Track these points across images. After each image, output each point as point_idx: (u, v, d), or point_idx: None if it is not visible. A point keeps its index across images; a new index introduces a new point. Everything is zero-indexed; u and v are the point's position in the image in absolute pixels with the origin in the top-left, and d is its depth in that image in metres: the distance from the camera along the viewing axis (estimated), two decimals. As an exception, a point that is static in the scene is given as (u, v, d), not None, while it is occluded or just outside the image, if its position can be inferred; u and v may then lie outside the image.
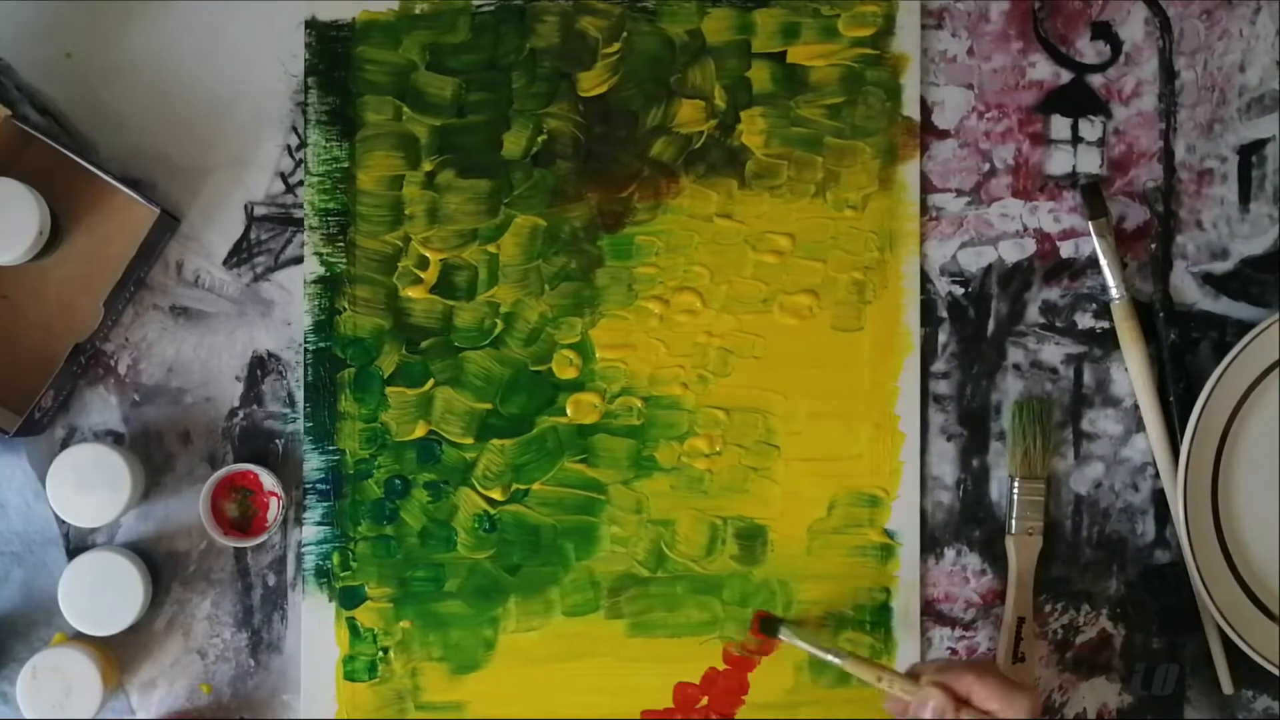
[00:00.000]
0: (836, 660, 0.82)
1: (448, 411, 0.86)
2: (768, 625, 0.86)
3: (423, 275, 0.86)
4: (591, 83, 0.87)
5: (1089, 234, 0.88)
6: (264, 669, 0.86)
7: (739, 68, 0.88)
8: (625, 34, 0.87)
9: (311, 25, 0.86)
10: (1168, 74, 0.89)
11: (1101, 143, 0.89)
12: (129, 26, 0.86)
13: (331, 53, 0.86)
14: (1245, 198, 0.89)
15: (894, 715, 0.80)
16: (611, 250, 0.87)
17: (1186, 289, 0.89)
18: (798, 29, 0.88)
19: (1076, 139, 0.89)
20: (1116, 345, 0.89)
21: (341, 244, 0.86)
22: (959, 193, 0.89)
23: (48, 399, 0.81)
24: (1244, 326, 0.88)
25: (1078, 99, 0.89)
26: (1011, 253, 0.89)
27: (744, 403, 0.87)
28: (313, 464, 0.86)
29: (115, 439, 0.85)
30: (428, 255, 0.86)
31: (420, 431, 0.86)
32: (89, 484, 0.81)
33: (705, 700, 0.87)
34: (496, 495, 0.87)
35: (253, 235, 0.86)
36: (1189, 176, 0.89)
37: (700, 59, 0.88)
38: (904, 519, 0.88)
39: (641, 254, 0.87)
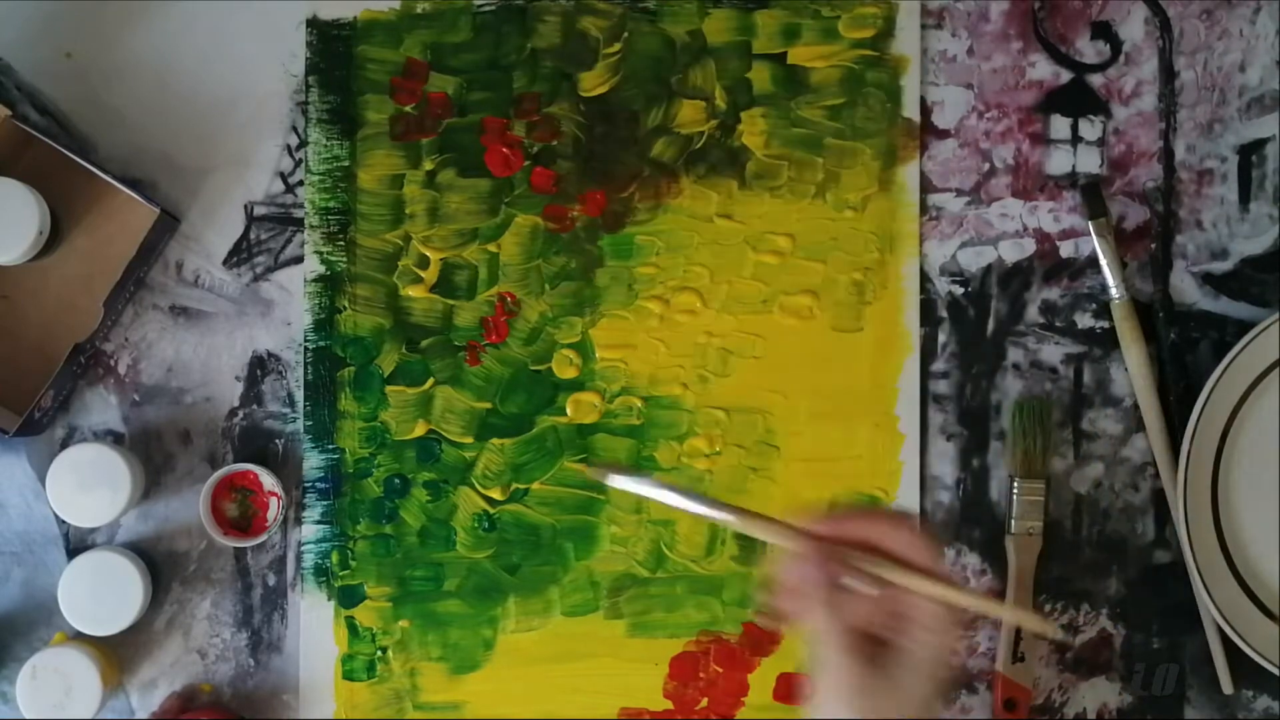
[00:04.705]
0: (721, 515, 0.67)
1: (447, 410, 0.86)
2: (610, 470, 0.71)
3: (423, 274, 0.86)
4: (592, 83, 0.87)
5: (1089, 234, 0.88)
6: (264, 669, 0.86)
7: (740, 68, 0.88)
8: (626, 34, 0.87)
9: (313, 24, 0.86)
10: (1168, 74, 0.89)
11: (1101, 142, 0.89)
12: (129, 26, 0.86)
13: (333, 51, 0.86)
14: (1245, 198, 0.90)
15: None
16: (612, 250, 0.87)
17: (1186, 289, 0.89)
18: (798, 30, 0.88)
19: (1076, 139, 0.89)
20: (1116, 345, 0.89)
21: (342, 243, 0.86)
22: (959, 192, 0.89)
23: (48, 399, 0.81)
24: (1244, 326, 0.88)
25: (1078, 99, 0.89)
26: (1011, 253, 0.89)
27: (744, 403, 0.87)
28: (312, 463, 0.86)
29: (115, 439, 0.85)
30: (428, 254, 0.86)
31: (420, 430, 0.86)
32: (89, 484, 0.81)
33: (705, 701, 0.87)
34: (496, 495, 0.87)
35: (253, 235, 0.86)
36: (1189, 176, 0.89)
37: (701, 59, 0.88)
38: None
39: (642, 254, 0.87)
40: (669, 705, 0.87)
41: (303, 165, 0.86)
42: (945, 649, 0.66)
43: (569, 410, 0.87)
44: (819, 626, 0.65)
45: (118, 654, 0.85)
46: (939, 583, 0.65)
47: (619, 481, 0.68)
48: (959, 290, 0.89)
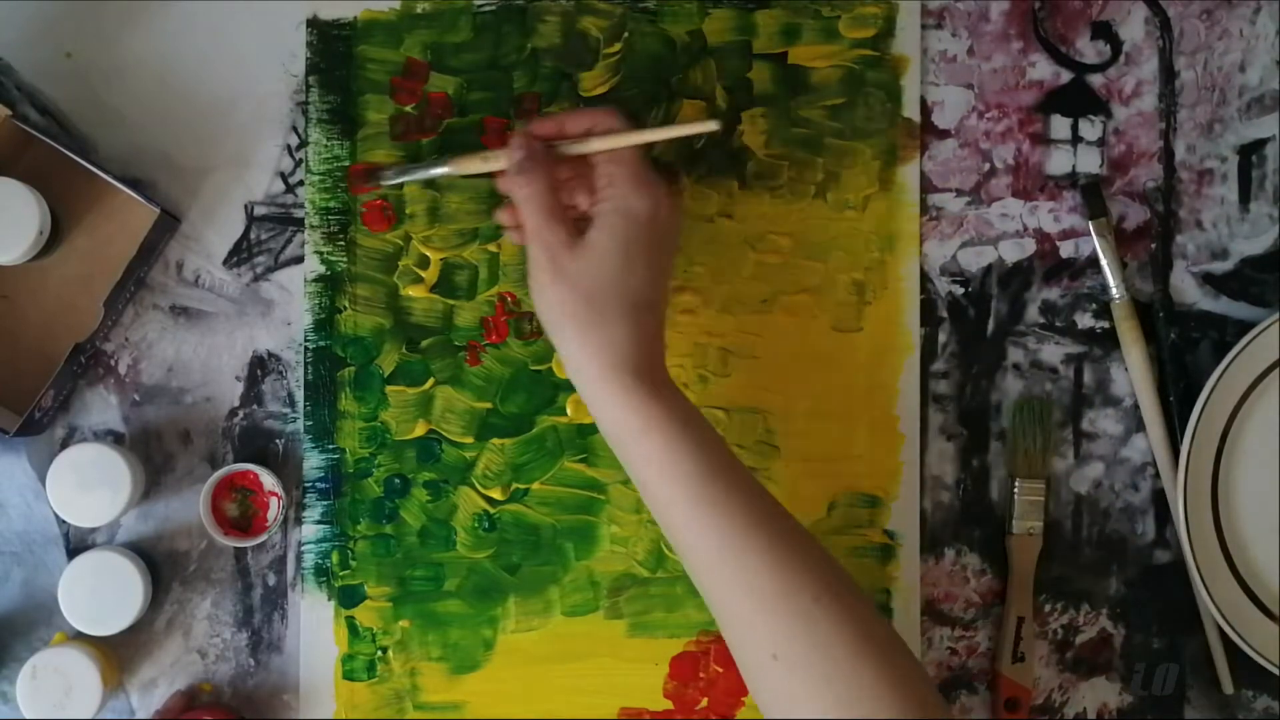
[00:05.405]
0: (442, 170, 0.81)
1: (448, 410, 0.86)
2: (368, 176, 0.85)
3: (423, 274, 0.86)
4: (593, 83, 0.87)
5: (1089, 234, 0.88)
6: (264, 669, 0.86)
7: (740, 68, 0.88)
8: (626, 34, 0.87)
9: (313, 24, 0.86)
10: (1168, 74, 0.89)
11: (1101, 143, 0.89)
12: (129, 26, 0.86)
13: (333, 51, 0.86)
14: (1245, 198, 0.90)
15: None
16: (612, 250, 0.87)
17: (1186, 289, 0.89)
18: (798, 30, 0.88)
19: (1076, 139, 0.89)
20: (1116, 345, 0.89)
21: (342, 242, 0.86)
22: (959, 192, 0.89)
23: (48, 399, 0.81)
24: (1244, 326, 0.88)
25: (1078, 99, 0.89)
26: (1011, 253, 0.89)
27: (743, 403, 0.87)
28: (312, 463, 0.86)
29: (115, 439, 0.85)
30: (428, 254, 0.86)
31: (420, 430, 0.86)
32: (89, 484, 0.81)
33: (705, 701, 0.87)
34: (496, 495, 0.87)
35: (253, 235, 0.86)
36: (1189, 176, 0.89)
37: (701, 59, 0.88)
38: (904, 519, 0.88)
39: (642, 254, 0.87)
40: (669, 705, 0.87)
41: (303, 165, 0.86)
42: (632, 204, 0.74)
43: (569, 410, 0.87)
44: (521, 197, 0.75)
45: (118, 654, 0.85)
46: (621, 136, 0.76)
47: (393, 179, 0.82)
48: (959, 290, 0.89)
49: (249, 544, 0.84)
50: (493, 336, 0.87)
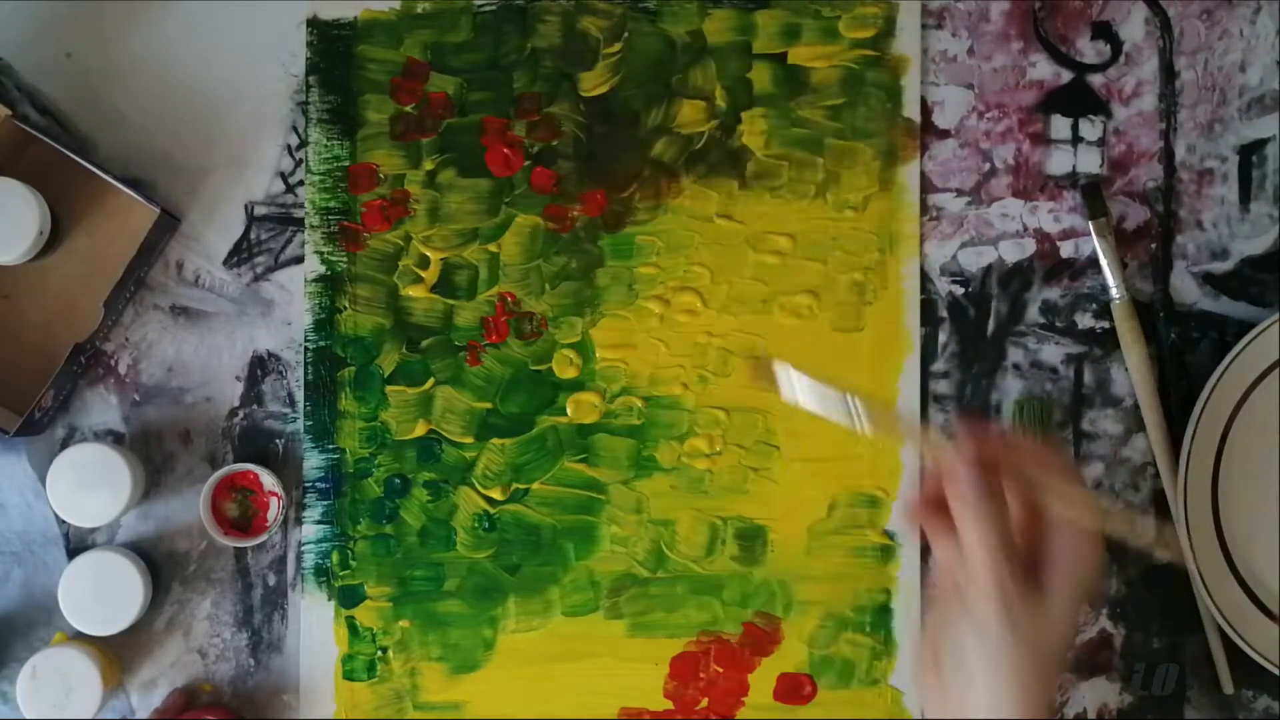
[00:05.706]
0: (854, 413, 0.68)
1: (448, 410, 0.86)
2: (763, 369, 0.73)
3: (423, 274, 0.86)
4: (593, 83, 0.87)
5: (1089, 234, 0.88)
6: (264, 669, 0.86)
7: (740, 68, 0.88)
8: (626, 34, 0.87)
9: (313, 24, 0.86)
10: (1168, 74, 0.89)
11: (1101, 143, 0.89)
12: (129, 26, 0.86)
13: (333, 51, 0.86)
14: (1245, 198, 0.90)
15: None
16: (612, 250, 0.87)
17: (1186, 289, 0.89)
18: (799, 30, 0.88)
19: (1076, 139, 0.89)
20: (1116, 345, 0.89)
21: (342, 243, 0.86)
22: (959, 192, 0.89)
23: (48, 399, 0.81)
24: (1244, 326, 0.88)
25: (1078, 99, 0.89)
26: (1011, 253, 0.89)
27: (744, 403, 0.87)
28: (313, 463, 0.86)
29: (115, 439, 0.85)
30: (428, 254, 0.86)
31: (420, 430, 0.86)
32: (89, 484, 0.81)
33: (705, 701, 0.87)
34: (496, 495, 0.86)
35: (253, 235, 0.86)
36: (1189, 176, 0.89)
37: (701, 60, 0.88)
38: (904, 519, 0.88)
39: (642, 254, 0.87)
40: (669, 705, 0.87)
41: (303, 165, 0.86)
42: (1093, 568, 0.65)
43: (569, 410, 0.87)
44: (975, 535, 0.63)
45: (118, 654, 0.85)
46: (1088, 502, 0.65)
47: (785, 376, 0.70)
48: (959, 290, 0.89)
49: (249, 544, 0.84)
50: (493, 336, 0.87)
